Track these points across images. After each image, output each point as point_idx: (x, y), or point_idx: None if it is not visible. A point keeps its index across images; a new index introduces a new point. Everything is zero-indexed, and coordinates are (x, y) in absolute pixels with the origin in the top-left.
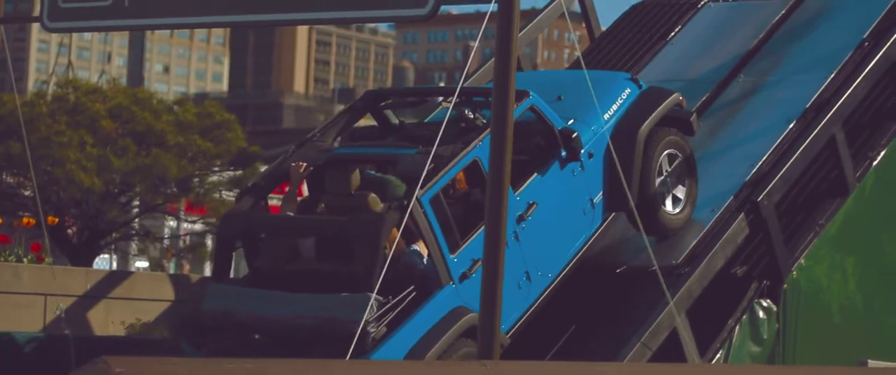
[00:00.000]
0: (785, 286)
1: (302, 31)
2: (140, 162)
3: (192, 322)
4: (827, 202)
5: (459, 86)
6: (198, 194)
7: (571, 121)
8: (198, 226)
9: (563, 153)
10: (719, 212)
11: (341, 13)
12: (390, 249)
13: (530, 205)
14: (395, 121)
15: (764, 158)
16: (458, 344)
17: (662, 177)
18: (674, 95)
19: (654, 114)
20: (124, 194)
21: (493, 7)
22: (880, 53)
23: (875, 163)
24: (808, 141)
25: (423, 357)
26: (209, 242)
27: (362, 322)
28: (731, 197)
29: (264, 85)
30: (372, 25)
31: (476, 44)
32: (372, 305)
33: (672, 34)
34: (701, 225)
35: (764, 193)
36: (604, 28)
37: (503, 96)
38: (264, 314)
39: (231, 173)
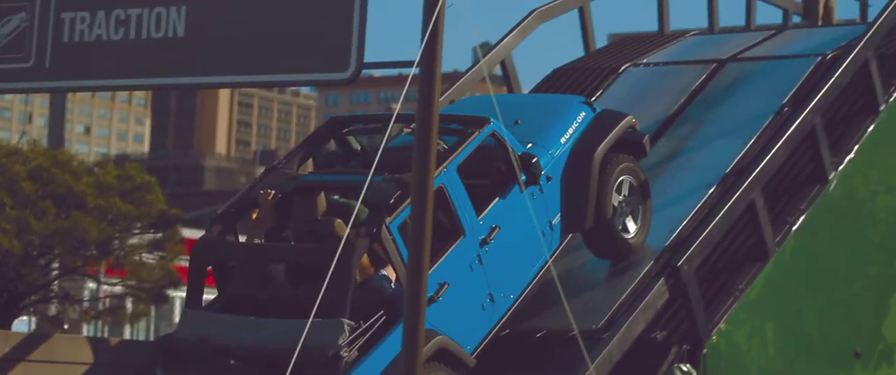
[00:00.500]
0: (705, 350)
1: (224, 92)
2: (60, 224)
3: (167, 350)
4: (747, 267)
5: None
6: (118, 256)
7: (530, 144)
8: (118, 289)
9: (523, 177)
10: (640, 277)
11: (263, 76)
12: (360, 275)
13: (493, 229)
14: (357, 146)
15: (684, 223)
16: (428, 367)
17: (619, 201)
18: (627, 118)
19: (609, 137)
20: (44, 256)
21: (414, 70)
22: (799, 119)
23: (794, 228)
24: (727, 206)
25: None
26: (129, 305)
27: (338, 347)
28: (652, 262)
29: (186, 146)
30: (294, 87)
31: (397, 106)
32: (345, 330)
33: (593, 99)
34: (621, 289)
35: (684, 258)
36: (526, 92)
37: (424, 158)
38: (239, 339)
39: (151, 236)
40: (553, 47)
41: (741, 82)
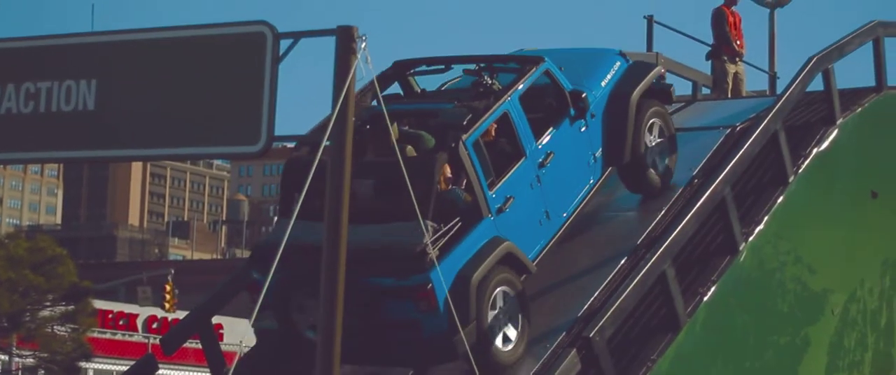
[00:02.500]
0: None
1: (136, 164)
2: None
3: (261, 253)
4: (658, 337)
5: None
6: (29, 329)
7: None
8: (29, 361)
9: (572, 111)
10: (552, 348)
11: (175, 149)
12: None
13: (548, 154)
14: (418, 89)
15: (596, 294)
16: (496, 270)
17: (651, 142)
18: (657, 68)
19: (642, 83)
20: None
21: (326, 142)
22: (709, 190)
23: (705, 298)
24: (639, 277)
25: (470, 277)
26: None
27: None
28: (564, 333)
29: (98, 217)
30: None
31: (309, 178)
32: (429, 230)
33: None
34: (534, 360)
35: (595, 329)
36: None
37: (335, 234)
38: None
39: (63, 308)
40: None
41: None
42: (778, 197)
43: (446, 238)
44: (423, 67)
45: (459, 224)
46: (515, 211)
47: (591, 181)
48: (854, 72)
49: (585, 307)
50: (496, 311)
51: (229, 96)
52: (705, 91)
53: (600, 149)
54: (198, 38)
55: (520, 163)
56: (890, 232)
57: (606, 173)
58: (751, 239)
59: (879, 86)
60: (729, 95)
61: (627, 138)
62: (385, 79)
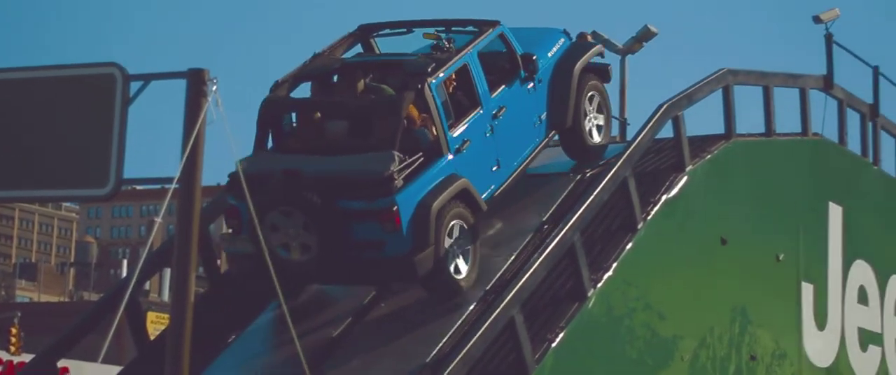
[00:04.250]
0: None
1: None
2: None
3: (236, 180)
4: None
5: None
6: None
7: None
8: None
9: (523, 73)
10: None
11: (23, 191)
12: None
13: (501, 108)
14: (379, 50)
15: (445, 339)
16: (452, 203)
17: (590, 111)
18: (597, 46)
19: (584, 57)
20: None
21: (174, 185)
22: (559, 237)
23: (554, 345)
24: (487, 323)
25: (430, 205)
26: None
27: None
28: None
29: None
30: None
31: (159, 219)
32: (395, 159)
33: None
34: None
35: None
36: None
37: (184, 272)
38: (303, 169)
39: None
40: None
41: (505, 197)
42: (627, 244)
43: (410, 169)
44: (387, 31)
45: (422, 159)
46: (471, 154)
47: (537, 141)
48: (704, 119)
49: (434, 352)
50: (452, 241)
51: (78, 138)
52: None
53: (545, 113)
54: (47, 79)
55: (476, 112)
56: (739, 278)
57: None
58: (599, 285)
59: (728, 133)
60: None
61: (570, 105)
62: (350, 39)
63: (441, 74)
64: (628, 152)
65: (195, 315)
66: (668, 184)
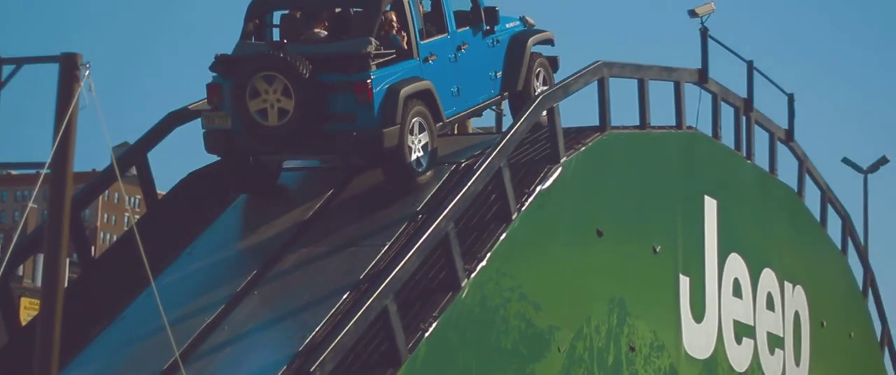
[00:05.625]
0: None
1: None
2: None
3: (224, 59)
4: (380, 372)
5: None
6: None
7: None
8: None
9: (485, 26)
10: None
11: None
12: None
13: (464, 44)
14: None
15: (317, 328)
16: (416, 101)
17: (536, 85)
18: (548, 32)
19: (535, 36)
20: None
21: (46, 170)
22: (432, 226)
23: (427, 334)
24: (360, 312)
25: (399, 91)
26: None
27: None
28: (285, 367)
29: None
30: None
31: (32, 204)
32: (372, 43)
33: (227, 206)
34: None
35: (316, 363)
36: (163, 192)
37: (55, 257)
38: (288, 50)
39: None
40: (191, 149)
41: (377, 189)
42: (501, 235)
43: (383, 60)
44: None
45: (394, 56)
46: (436, 68)
47: (492, 93)
48: (579, 110)
49: (306, 341)
50: (413, 136)
51: None
52: None
53: (501, 72)
54: None
55: (443, 36)
56: (616, 270)
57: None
58: (473, 275)
59: (603, 125)
60: (455, 131)
61: (522, 71)
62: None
63: None
64: (503, 142)
65: (67, 301)
66: (542, 175)
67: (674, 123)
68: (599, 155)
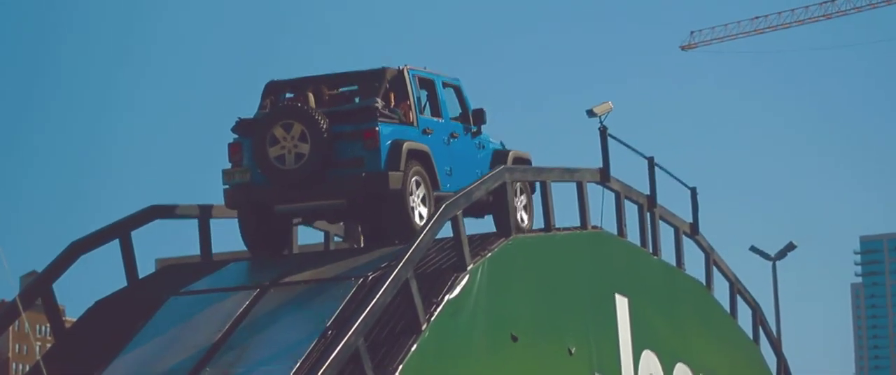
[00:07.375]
0: None
1: None
2: None
3: (244, 122)
4: None
5: None
6: None
7: None
8: None
9: (473, 127)
10: None
11: None
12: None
13: (454, 133)
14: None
15: None
16: (415, 162)
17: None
18: (526, 153)
19: (515, 153)
20: None
21: None
22: (342, 342)
23: None
24: None
25: (401, 146)
26: None
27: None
28: None
29: None
30: None
31: None
32: (379, 102)
33: (137, 332)
34: None
35: None
36: (71, 322)
37: None
38: (303, 102)
39: None
40: (97, 277)
41: (284, 308)
42: (412, 346)
43: (388, 119)
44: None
45: (397, 120)
46: (433, 141)
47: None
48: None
49: None
50: (412, 195)
51: None
52: (337, 240)
53: (487, 173)
54: None
55: (439, 119)
56: (533, 373)
57: None
58: None
59: (507, 230)
60: (361, 244)
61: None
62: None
63: (419, 70)
64: (409, 253)
65: None
66: (450, 283)
67: (578, 223)
68: (506, 260)
